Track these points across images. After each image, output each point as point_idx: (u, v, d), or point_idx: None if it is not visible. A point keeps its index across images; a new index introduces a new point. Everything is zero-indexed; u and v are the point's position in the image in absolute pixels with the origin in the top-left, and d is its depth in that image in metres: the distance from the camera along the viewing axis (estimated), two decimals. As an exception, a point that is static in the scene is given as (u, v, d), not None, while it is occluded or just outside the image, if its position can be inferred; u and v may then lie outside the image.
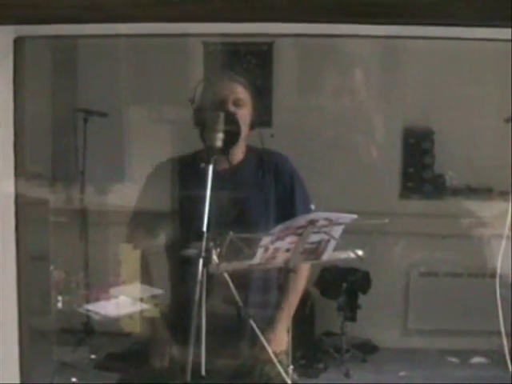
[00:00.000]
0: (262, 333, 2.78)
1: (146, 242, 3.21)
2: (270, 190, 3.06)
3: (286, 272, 2.77)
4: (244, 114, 2.98)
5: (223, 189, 2.85)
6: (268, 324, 3.05)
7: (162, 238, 3.19)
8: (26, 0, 1.89)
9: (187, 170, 3.01)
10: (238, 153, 3.05)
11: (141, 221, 3.18)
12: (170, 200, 3.10)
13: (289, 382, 2.77)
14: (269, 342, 2.87)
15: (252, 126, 3.03)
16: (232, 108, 2.95)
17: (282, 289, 3.05)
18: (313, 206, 3.10)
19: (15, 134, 2.17)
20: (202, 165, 2.65)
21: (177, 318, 3.01)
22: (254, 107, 3.03)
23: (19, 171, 2.21)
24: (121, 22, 1.99)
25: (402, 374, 5.31)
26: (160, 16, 1.92)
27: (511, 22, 1.79)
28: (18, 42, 2.11)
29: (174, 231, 3.12)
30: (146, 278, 3.29)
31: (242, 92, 3.01)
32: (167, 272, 3.16)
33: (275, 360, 2.77)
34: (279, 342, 3.03)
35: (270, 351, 2.77)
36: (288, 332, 3.07)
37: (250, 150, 3.09)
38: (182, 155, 3.18)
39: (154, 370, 3.11)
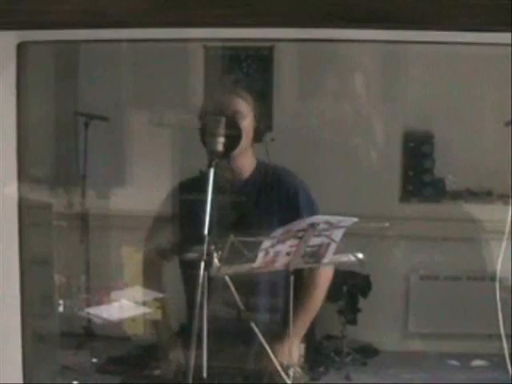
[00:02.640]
0: (268, 340, 2.78)
1: (158, 246, 3.23)
2: (273, 205, 3.08)
3: (288, 277, 2.77)
4: (244, 125, 3.00)
5: (229, 197, 2.88)
6: (276, 333, 3.04)
7: (170, 243, 3.21)
8: (28, 6, 1.91)
9: (194, 191, 3.02)
10: (248, 166, 3.08)
11: (160, 229, 3.21)
12: (174, 205, 3.13)
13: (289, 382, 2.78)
14: (276, 352, 2.87)
15: (257, 138, 3.05)
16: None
17: (301, 299, 3.05)
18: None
19: (18, 139, 2.19)
20: (204, 168, 2.67)
21: (179, 321, 3.02)
22: (257, 119, 3.06)
23: (22, 175, 2.23)
24: (122, 27, 2.00)
25: (403, 377, 5.31)
26: (161, 21, 1.94)
27: (511, 26, 1.80)
28: (21, 47, 2.13)
29: (175, 235, 3.14)
30: (151, 281, 3.31)
31: (240, 105, 3.03)
32: (169, 276, 3.18)
33: (278, 366, 2.78)
34: (288, 353, 3.02)
35: (272, 356, 2.77)
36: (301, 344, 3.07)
37: (258, 165, 3.12)
38: (195, 177, 3.20)
39: (154, 373, 3.12)
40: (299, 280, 2.96)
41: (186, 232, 3.04)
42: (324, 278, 3.16)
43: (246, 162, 3.08)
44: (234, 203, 2.97)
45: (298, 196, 3.12)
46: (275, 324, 3.09)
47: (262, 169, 3.13)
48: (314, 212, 3.10)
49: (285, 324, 3.05)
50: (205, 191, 2.65)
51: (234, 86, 3.29)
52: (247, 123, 3.02)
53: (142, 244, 3.28)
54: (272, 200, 3.09)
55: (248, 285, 2.95)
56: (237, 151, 2.96)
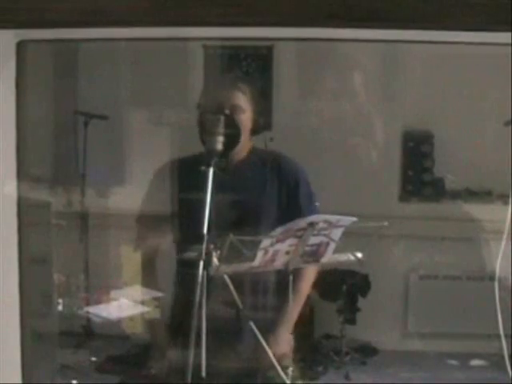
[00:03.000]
0: (264, 335, 2.79)
1: (153, 245, 3.22)
2: (272, 191, 3.07)
3: (287, 274, 2.78)
4: (243, 120, 2.99)
5: (224, 189, 2.86)
6: (270, 327, 3.05)
7: (165, 241, 3.20)
8: (28, 4, 1.90)
9: (188, 173, 3.02)
10: (240, 152, 3.06)
11: (145, 223, 3.19)
12: (171, 202, 3.11)
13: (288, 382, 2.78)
14: (271, 344, 2.88)
15: (255, 132, 3.04)
16: (229, 113, 2.96)
17: (285, 292, 3.06)
18: (317, 204, 3.11)
19: (17, 137, 2.18)
20: (203, 168, 2.66)
21: (177, 320, 3.02)
22: (255, 113, 3.05)
23: (21, 174, 2.23)
24: (122, 26, 2.00)
25: (402, 376, 5.32)
26: (160, 20, 1.94)
27: (511, 26, 1.80)
28: (20, 46, 2.12)
29: (174, 234, 3.13)
30: (148, 280, 3.30)
31: (240, 98, 3.02)
32: (168, 274, 3.17)
33: (276, 363, 2.78)
34: (281, 344, 3.03)
35: (271, 355, 2.78)
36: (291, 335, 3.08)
37: (252, 149, 3.10)
38: (183, 157, 3.20)
39: (151, 371, 3.12)
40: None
41: (184, 231, 3.04)
42: (309, 269, 3.16)
43: (241, 153, 3.07)
44: (230, 193, 2.95)
45: (298, 184, 3.10)
46: (270, 320, 3.10)
47: (255, 153, 3.11)
48: (312, 202, 3.10)
49: (278, 318, 3.07)
50: (195, 176, 2.64)
51: (232, 79, 3.27)
52: (246, 117, 3.01)
53: (145, 244, 3.28)
54: (270, 185, 3.07)
55: (246, 284, 2.96)
56: (237, 147, 2.96)
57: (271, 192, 3.06)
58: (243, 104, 3.01)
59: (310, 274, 3.17)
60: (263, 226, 2.93)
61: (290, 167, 3.14)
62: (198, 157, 3.01)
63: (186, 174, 3.06)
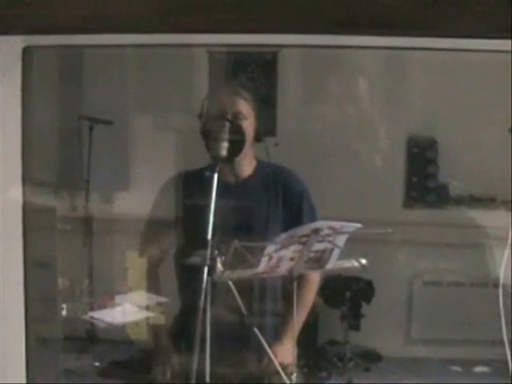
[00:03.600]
0: (268, 342, 2.79)
1: (156, 250, 3.23)
2: (277, 205, 3.08)
3: (291, 281, 2.78)
4: (246, 127, 2.99)
5: (231, 200, 2.87)
6: (274, 333, 3.06)
7: (168, 247, 3.21)
8: (34, 11, 1.91)
9: (195, 183, 3.03)
10: (247, 166, 3.07)
11: (153, 231, 3.20)
12: (176, 208, 3.12)
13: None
14: (276, 354, 2.88)
15: (257, 139, 3.05)
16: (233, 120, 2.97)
17: (290, 300, 3.06)
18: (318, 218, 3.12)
19: (23, 142, 2.20)
20: (207, 173, 2.67)
21: (182, 325, 3.03)
22: (258, 119, 3.05)
23: (26, 179, 2.23)
24: (127, 32, 2.01)
25: (406, 382, 5.31)
26: (165, 27, 1.94)
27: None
28: (27, 52, 2.14)
29: (178, 239, 3.14)
30: (152, 286, 3.31)
31: (243, 105, 3.02)
32: (173, 280, 3.18)
33: (281, 371, 2.78)
34: (286, 354, 3.03)
35: (275, 361, 2.78)
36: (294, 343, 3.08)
37: (259, 164, 3.12)
38: (190, 170, 3.21)
39: (155, 377, 3.12)
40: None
41: (188, 236, 3.04)
42: (314, 277, 3.17)
43: (245, 162, 3.08)
44: (235, 204, 2.97)
45: (302, 199, 3.12)
46: (274, 327, 3.10)
47: (263, 168, 3.12)
48: (314, 217, 3.11)
49: (282, 326, 3.07)
50: (201, 188, 2.65)
51: (235, 86, 3.27)
52: (249, 124, 3.01)
53: (144, 246, 3.29)
54: (275, 200, 3.09)
55: (250, 290, 2.96)
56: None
57: (275, 206, 3.08)
58: (245, 111, 3.02)
59: (314, 282, 3.18)
60: (265, 235, 2.94)
61: (294, 182, 3.16)
62: (203, 169, 3.03)
63: (191, 186, 3.07)
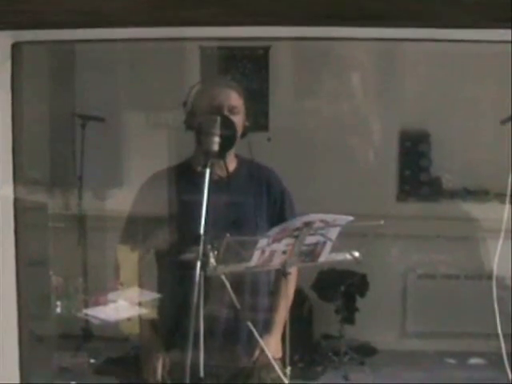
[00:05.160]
0: (262, 336, 2.79)
1: (143, 245, 3.22)
2: (262, 201, 3.08)
3: (285, 275, 2.77)
4: (237, 122, 2.99)
5: (220, 194, 2.86)
6: (264, 328, 3.06)
7: (159, 242, 3.20)
8: (23, 6, 1.91)
9: (184, 176, 3.02)
10: (231, 161, 3.07)
11: (138, 225, 3.19)
12: (167, 205, 3.11)
13: (284, 379, 2.78)
14: (269, 347, 2.88)
15: (243, 134, 3.04)
16: (227, 114, 2.97)
17: (276, 293, 3.06)
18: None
19: (14, 140, 2.19)
20: (199, 168, 2.66)
21: (175, 320, 3.02)
22: (247, 115, 3.05)
23: (18, 176, 2.23)
24: (118, 26, 2.00)
25: (401, 376, 5.32)
26: (157, 20, 1.94)
27: (511, 23, 1.80)
28: (16, 47, 2.13)
29: (171, 235, 3.13)
30: (145, 281, 3.30)
31: (236, 99, 3.02)
32: (165, 275, 3.17)
33: (274, 364, 2.78)
34: (276, 346, 3.04)
35: (270, 356, 2.78)
36: (283, 337, 3.08)
37: (241, 160, 3.11)
38: (177, 163, 3.20)
39: (150, 372, 3.11)
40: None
41: (180, 232, 3.04)
42: (292, 271, 3.16)
43: (230, 157, 3.07)
44: (224, 199, 2.96)
45: (283, 195, 3.13)
46: (264, 321, 3.10)
47: (244, 164, 3.12)
48: (295, 213, 3.11)
49: (270, 319, 3.08)
50: (188, 182, 2.63)
51: (227, 80, 3.26)
52: (240, 119, 3.01)
53: (137, 244, 3.27)
54: (259, 196, 3.08)
55: (244, 284, 2.96)
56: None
57: (260, 201, 3.07)
58: (239, 105, 3.01)
59: (293, 275, 3.18)
60: (255, 231, 2.94)
61: (275, 179, 3.16)
62: (191, 160, 3.01)
63: (182, 178, 3.06)
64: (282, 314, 3.05)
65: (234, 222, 2.96)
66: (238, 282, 2.81)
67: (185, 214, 2.87)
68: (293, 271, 3.11)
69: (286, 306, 3.09)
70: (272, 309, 3.09)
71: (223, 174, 2.96)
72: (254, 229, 2.98)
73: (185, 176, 2.98)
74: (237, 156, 3.11)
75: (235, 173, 3.07)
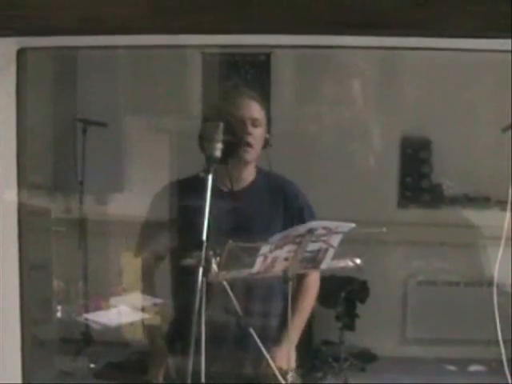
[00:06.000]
0: (264, 342, 2.79)
1: (153, 251, 3.23)
2: (276, 215, 3.07)
3: (286, 282, 2.77)
4: (259, 134, 2.99)
5: (228, 207, 2.88)
6: (273, 338, 3.05)
7: (165, 250, 3.21)
8: (28, 12, 1.92)
9: (191, 185, 3.02)
10: (249, 173, 3.07)
11: (150, 234, 3.20)
12: (172, 211, 3.12)
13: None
14: (273, 357, 2.87)
15: (264, 146, 3.04)
16: (250, 129, 2.97)
17: (292, 304, 3.05)
18: None
19: (17, 144, 2.20)
20: (201, 174, 2.66)
21: (177, 326, 3.02)
22: (267, 125, 3.05)
23: (21, 181, 2.23)
24: (120, 33, 2.01)
25: (401, 382, 5.31)
26: (159, 28, 1.95)
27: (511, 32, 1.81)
28: (21, 53, 2.14)
29: (173, 241, 3.14)
30: (148, 287, 3.30)
31: (258, 111, 3.02)
32: (167, 281, 3.18)
33: (275, 369, 2.77)
34: (284, 358, 3.02)
35: (271, 361, 2.77)
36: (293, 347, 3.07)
37: (259, 172, 3.11)
38: (187, 176, 3.20)
39: (151, 378, 3.11)
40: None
41: (184, 238, 3.04)
42: (313, 281, 3.17)
43: (249, 169, 3.07)
44: (233, 211, 2.96)
45: (302, 212, 3.11)
46: (273, 329, 3.09)
47: (263, 177, 3.11)
48: (313, 215, 3.11)
49: (281, 329, 3.06)
50: (196, 193, 2.64)
51: (249, 90, 3.25)
52: (262, 131, 3.01)
53: (139, 249, 3.28)
54: (275, 211, 3.08)
55: (246, 290, 2.96)
56: (248, 159, 2.96)
57: (275, 217, 3.07)
58: (261, 117, 3.02)
59: (313, 286, 3.18)
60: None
61: (294, 194, 3.15)
62: (198, 175, 3.03)
63: (188, 192, 3.05)
64: (296, 325, 3.04)
65: (243, 233, 2.95)
66: (245, 288, 2.82)
67: (188, 221, 2.87)
68: (313, 281, 3.12)
69: (303, 317, 3.09)
70: (285, 317, 3.08)
71: (228, 187, 2.96)
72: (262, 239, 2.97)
73: (191, 185, 2.98)
74: (257, 168, 3.11)
75: (251, 185, 3.07)
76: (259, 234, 2.97)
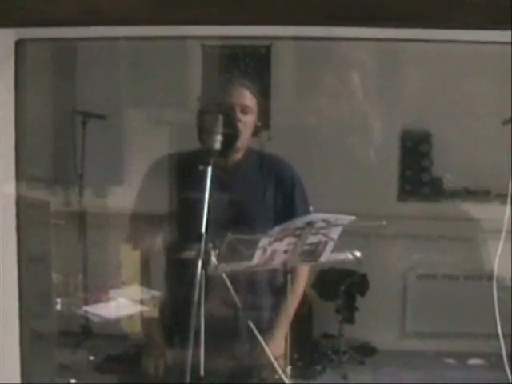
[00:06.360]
0: (263, 334, 2.79)
1: (145, 242, 3.22)
2: (269, 193, 3.07)
3: (284, 274, 2.78)
4: (249, 121, 2.99)
5: (221, 189, 2.87)
6: (267, 328, 3.05)
7: (161, 240, 3.20)
8: (27, 3, 1.91)
9: (185, 171, 3.02)
10: (237, 152, 3.06)
11: (140, 221, 3.19)
12: (169, 201, 3.11)
13: (285, 380, 2.78)
14: (269, 346, 2.87)
15: (256, 133, 3.04)
16: (239, 114, 2.97)
17: (281, 292, 3.06)
18: (312, 208, 3.11)
19: (16, 137, 2.19)
20: (201, 167, 2.66)
21: (176, 319, 3.02)
22: (260, 113, 3.05)
23: (20, 174, 2.23)
24: (119, 24, 2.00)
25: (400, 375, 5.31)
26: (158, 19, 1.94)
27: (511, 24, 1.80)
28: (19, 45, 2.13)
29: (172, 233, 3.13)
30: (146, 279, 3.30)
31: (249, 98, 3.02)
32: (166, 274, 3.17)
33: (275, 364, 2.78)
34: (278, 346, 3.04)
35: (270, 355, 2.78)
36: (286, 336, 3.08)
37: (249, 150, 3.10)
38: (180, 153, 3.19)
39: (150, 370, 3.11)
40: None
41: (182, 230, 3.04)
42: (302, 269, 3.16)
43: (238, 151, 3.07)
44: (226, 190, 2.96)
45: (294, 186, 3.11)
46: (265, 319, 3.10)
47: (253, 154, 3.11)
48: (307, 207, 3.11)
49: (273, 319, 3.07)
50: (195, 173, 2.64)
51: (241, 78, 3.26)
52: (253, 119, 3.01)
53: (138, 242, 3.28)
54: (266, 186, 3.08)
55: (245, 283, 2.96)
56: (238, 146, 2.96)
57: (267, 194, 3.07)
58: (252, 104, 3.02)
59: (303, 275, 3.18)
60: (259, 227, 2.93)
61: (286, 171, 3.15)
62: (195, 154, 3.01)
63: (183, 172, 3.05)
64: (287, 314, 3.05)
65: (237, 215, 2.96)
66: (242, 280, 2.81)
67: (186, 212, 2.87)
68: (303, 271, 3.12)
69: (293, 305, 3.10)
70: (277, 308, 3.08)
71: (224, 165, 2.95)
72: (258, 221, 2.97)
73: (188, 171, 2.97)
74: (248, 147, 3.10)
75: (240, 163, 3.07)
76: (254, 210, 2.98)
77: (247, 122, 2.98)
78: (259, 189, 3.06)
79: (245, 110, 2.99)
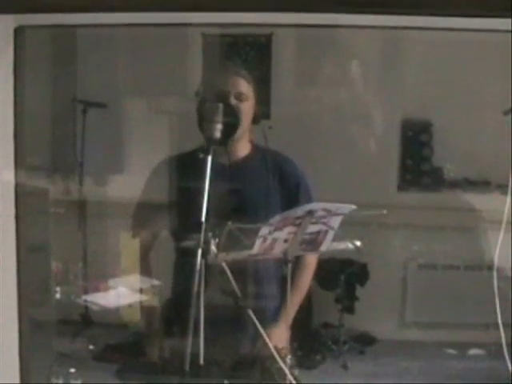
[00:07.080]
0: (262, 324, 2.79)
1: (148, 231, 3.22)
2: (273, 191, 3.07)
3: (286, 263, 2.77)
4: (245, 108, 2.99)
5: (225, 181, 2.87)
6: (270, 319, 3.05)
7: (163, 229, 3.20)
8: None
9: (188, 165, 3.02)
10: (242, 148, 3.07)
11: (144, 213, 3.19)
12: (170, 192, 3.11)
13: (287, 371, 2.78)
14: (271, 337, 2.87)
15: (255, 121, 3.04)
16: (233, 101, 2.96)
17: (286, 284, 3.05)
18: None
19: (15, 125, 2.18)
20: (201, 155, 2.66)
21: (176, 308, 3.02)
22: (257, 101, 3.05)
23: (19, 162, 2.22)
24: (120, 11, 1.99)
25: (400, 365, 5.32)
26: (158, 6, 1.93)
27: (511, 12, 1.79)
28: (19, 31, 2.11)
29: (173, 222, 3.13)
30: (146, 268, 3.30)
31: (244, 86, 3.02)
32: (166, 262, 3.17)
33: (276, 354, 2.77)
34: (281, 337, 3.03)
35: (269, 343, 2.77)
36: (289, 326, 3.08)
37: (255, 147, 3.11)
38: (184, 152, 3.20)
39: (150, 359, 3.12)
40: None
41: (182, 219, 3.03)
42: (310, 260, 3.16)
43: (241, 143, 3.07)
44: (229, 186, 2.96)
45: (299, 185, 3.11)
46: (269, 310, 3.09)
47: (258, 151, 3.11)
48: (310, 194, 3.11)
49: (278, 309, 3.07)
50: (197, 165, 2.64)
51: (235, 67, 3.28)
52: (249, 105, 3.01)
53: (141, 231, 3.28)
54: (270, 184, 3.08)
55: (245, 272, 2.96)
56: (237, 134, 2.95)
57: (272, 190, 3.07)
58: (247, 91, 3.02)
59: (310, 265, 3.18)
60: (261, 219, 2.92)
61: (291, 170, 3.16)
62: (196, 151, 3.01)
63: (186, 167, 3.05)
64: (292, 304, 3.05)
65: (240, 210, 2.96)
66: (244, 269, 2.81)
67: (187, 202, 2.86)
68: (310, 262, 3.12)
69: (299, 296, 3.10)
70: (282, 298, 3.08)
71: (228, 160, 2.96)
72: (260, 217, 2.96)
73: (190, 164, 2.98)
74: (252, 143, 3.11)
75: (246, 159, 3.07)
76: (256, 207, 2.98)
77: (244, 109, 2.97)
78: (263, 183, 3.06)
79: (239, 97, 2.99)
